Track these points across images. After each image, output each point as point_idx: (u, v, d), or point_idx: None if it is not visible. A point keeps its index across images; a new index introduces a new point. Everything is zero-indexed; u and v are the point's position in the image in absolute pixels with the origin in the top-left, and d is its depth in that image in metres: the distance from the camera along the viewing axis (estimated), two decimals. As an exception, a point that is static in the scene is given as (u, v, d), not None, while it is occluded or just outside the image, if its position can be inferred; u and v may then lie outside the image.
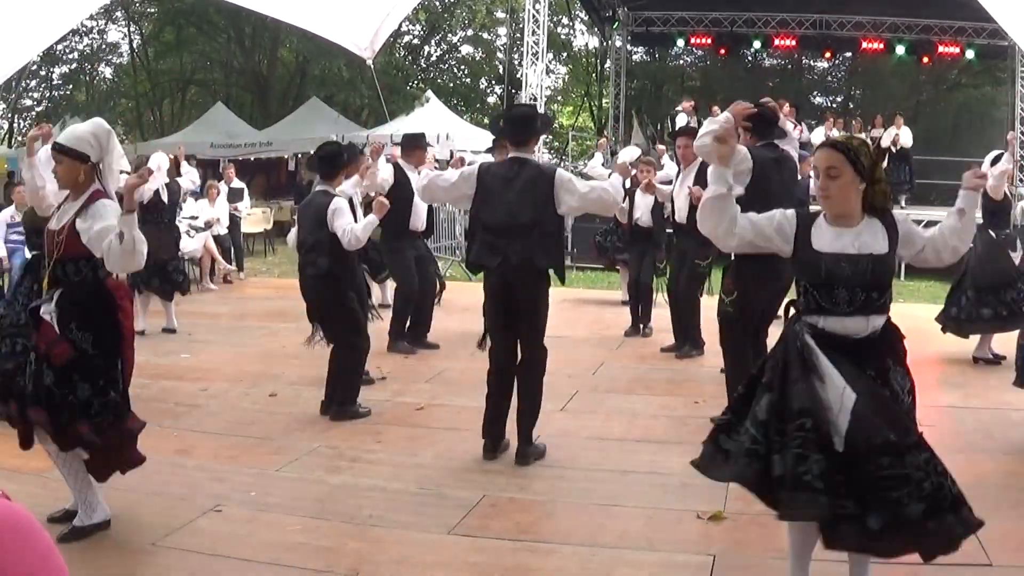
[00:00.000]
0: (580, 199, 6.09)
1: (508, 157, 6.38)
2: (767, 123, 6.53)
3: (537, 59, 20.29)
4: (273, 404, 7.57)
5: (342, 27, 14.84)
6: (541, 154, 16.97)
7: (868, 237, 3.91)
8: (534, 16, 19.76)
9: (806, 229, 3.97)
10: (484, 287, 6.25)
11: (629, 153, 13.37)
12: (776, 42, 26.53)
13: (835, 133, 20.00)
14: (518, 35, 26.83)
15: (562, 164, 23.30)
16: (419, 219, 9.84)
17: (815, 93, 32.91)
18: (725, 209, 4.10)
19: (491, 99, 36.64)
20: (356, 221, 7.14)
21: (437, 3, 34.00)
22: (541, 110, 20.34)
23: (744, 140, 6.46)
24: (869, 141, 4.48)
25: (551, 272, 6.16)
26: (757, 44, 27.13)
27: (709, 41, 26.85)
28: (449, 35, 36.36)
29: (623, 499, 5.45)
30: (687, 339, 9.61)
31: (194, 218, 15.23)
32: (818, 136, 20.24)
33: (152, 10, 32.25)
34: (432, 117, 23.37)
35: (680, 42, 27.56)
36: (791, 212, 4.11)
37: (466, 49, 36.72)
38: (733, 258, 6.44)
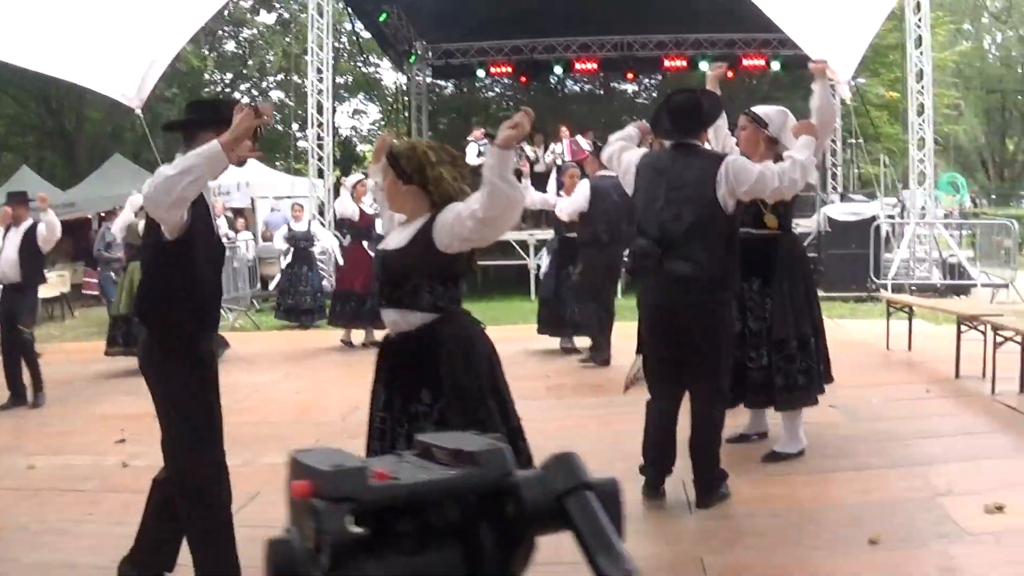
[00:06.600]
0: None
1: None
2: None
3: (324, 99, 19.47)
4: None
5: (108, 77, 14.30)
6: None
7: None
8: (317, 54, 19.05)
9: None
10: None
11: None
12: (577, 66, 26.34)
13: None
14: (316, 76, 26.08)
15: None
16: None
17: (625, 116, 32.84)
18: None
19: (301, 143, 35.82)
20: None
21: (213, 53, 33.12)
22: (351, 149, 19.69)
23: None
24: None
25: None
26: (559, 69, 26.82)
27: (510, 69, 26.48)
28: (261, 82, 35.37)
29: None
30: None
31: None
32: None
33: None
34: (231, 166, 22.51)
35: (480, 72, 27.17)
36: None
37: (276, 94, 35.71)
38: None
